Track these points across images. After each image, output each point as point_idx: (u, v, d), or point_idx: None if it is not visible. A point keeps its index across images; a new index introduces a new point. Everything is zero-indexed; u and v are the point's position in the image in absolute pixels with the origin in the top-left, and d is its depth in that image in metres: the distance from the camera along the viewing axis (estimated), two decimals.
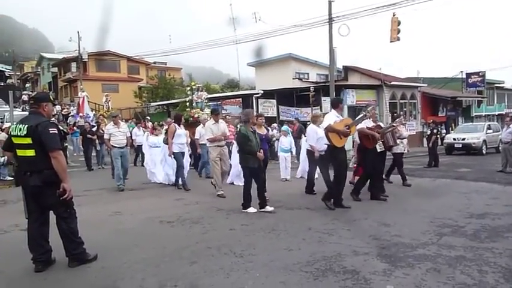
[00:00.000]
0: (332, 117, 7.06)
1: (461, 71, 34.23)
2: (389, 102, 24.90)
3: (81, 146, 13.74)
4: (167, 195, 8.93)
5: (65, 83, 41.96)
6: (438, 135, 15.65)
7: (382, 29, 18.11)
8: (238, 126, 13.97)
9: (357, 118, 7.91)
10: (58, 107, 29.15)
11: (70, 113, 27.15)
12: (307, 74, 29.80)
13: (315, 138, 7.99)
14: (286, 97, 23.94)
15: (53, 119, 6.26)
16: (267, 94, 23.51)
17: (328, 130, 6.92)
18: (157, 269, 4.23)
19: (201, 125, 11.18)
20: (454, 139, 20.51)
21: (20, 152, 4.09)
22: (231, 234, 5.56)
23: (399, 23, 17.11)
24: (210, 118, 9.26)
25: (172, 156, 9.37)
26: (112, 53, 39.58)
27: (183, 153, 9.54)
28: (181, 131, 9.49)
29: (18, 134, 4.04)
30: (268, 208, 6.84)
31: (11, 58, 51.57)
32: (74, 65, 36.68)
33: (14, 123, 4.36)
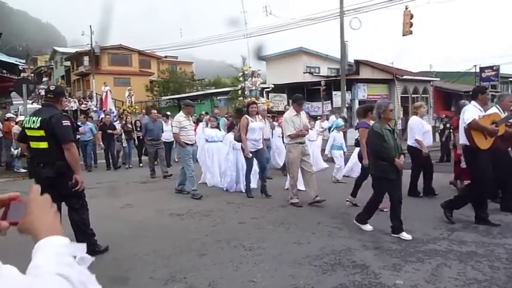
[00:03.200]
0: (474, 111, 5.46)
1: (475, 65, 33.63)
2: (401, 97, 24.62)
3: (101, 143, 12.39)
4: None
5: (78, 77, 42.36)
6: (451, 130, 15.45)
7: (394, 23, 17.90)
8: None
9: (506, 115, 5.83)
10: (74, 102, 28.74)
11: (89, 108, 26.39)
12: (318, 68, 29.60)
13: (421, 131, 7.14)
14: (296, 91, 23.80)
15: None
16: (278, 88, 23.41)
17: (472, 127, 5.33)
18: (167, 260, 4.27)
19: (259, 117, 8.16)
20: None
21: (34, 144, 4.15)
22: (240, 227, 5.58)
23: (412, 17, 16.87)
24: (289, 108, 7.57)
25: (249, 156, 7.45)
26: (124, 47, 39.84)
27: (257, 151, 7.59)
28: (256, 124, 7.60)
29: (32, 126, 4.11)
30: (405, 235, 4.92)
31: (25, 52, 52.23)
32: (86, 58, 36.96)
33: (28, 115, 4.43)
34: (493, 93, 33.54)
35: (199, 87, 36.63)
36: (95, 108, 25.86)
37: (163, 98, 33.21)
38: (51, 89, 4.48)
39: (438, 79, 29.54)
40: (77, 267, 0.83)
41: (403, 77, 24.57)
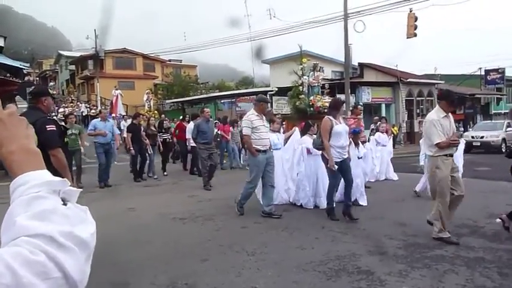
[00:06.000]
0: None
1: (480, 68, 33.52)
2: (406, 100, 24.49)
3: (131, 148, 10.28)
4: (181, 191, 8.92)
5: (82, 81, 42.54)
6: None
7: (399, 25, 17.80)
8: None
9: None
10: (85, 107, 28.59)
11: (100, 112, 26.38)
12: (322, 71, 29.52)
13: None
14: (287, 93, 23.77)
15: (53, 114, 6.09)
16: (282, 91, 23.36)
17: None
18: (169, 266, 4.20)
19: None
20: (473, 137, 20.03)
21: None
22: (243, 232, 5.51)
23: (416, 19, 16.78)
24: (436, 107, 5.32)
25: (335, 168, 5.87)
26: (128, 50, 39.97)
27: (342, 162, 5.99)
28: (342, 127, 6.02)
29: None
30: None
31: (30, 56, 52.60)
32: (90, 62, 37.10)
33: None
34: (499, 96, 33.38)
35: (203, 91, 36.62)
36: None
37: (167, 101, 33.23)
38: (31, 90, 4.25)
39: (443, 82, 29.39)
40: (60, 210, 0.70)
41: (408, 80, 24.46)
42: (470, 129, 23.18)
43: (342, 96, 19.71)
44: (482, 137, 19.59)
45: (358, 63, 25.46)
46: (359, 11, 17.82)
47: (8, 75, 14.87)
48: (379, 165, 9.69)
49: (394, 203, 7.34)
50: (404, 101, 24.15)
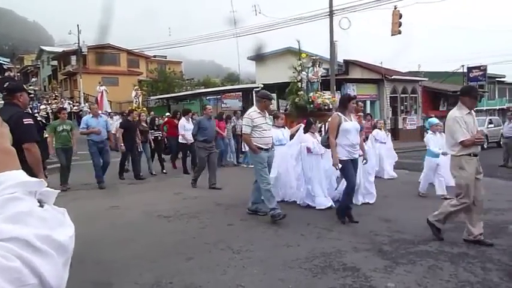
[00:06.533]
0: None
1: (463, 65, 34.00)
2: (390, 97, 24.74)
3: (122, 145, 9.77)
4: (166, 189, 8.82)
5: (65, 76, 41.78)
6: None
7: (383, 22, 17.93)
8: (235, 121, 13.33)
9: None
10: (68, 104, 27.59)
11: (81, 110, 25.38)
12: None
13: None
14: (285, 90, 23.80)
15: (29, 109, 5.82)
16: (267, 88, 23.25)
17: None
18: (153, 264, 4.14)
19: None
20: None
21: None
22: (229, 229, 5.47)
23: (400, 16, 16.92)
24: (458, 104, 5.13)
25: (339, 167, 5.62)
26: (112, 46, 39.34)
27: (352, 161, 5.70)
28: (351, 125, 5.68)
29: None
30: None
31: (11, 51, 51.41)
32: (73, 58, 36.45)
33: None
34: (481, 92, 33.92)
35: (189, 87, 36.39)
36: (87, 110, 24.85)
37: (151, 97, 32.92)
38: (5, 86, 4.13)
39: (427, 79, 29.77)
40: (36, 212, 0.65)
41: (392, 77, 24.69)
42: None
43: (328, 93, 19.80)
44: None
45: (344, 60, 25.57)
46: (344, 8, 17.88)
47: None
48: (378, 162, 9.58)
49: (380, 200, 7.36)
50: (388, 98, 24.38)
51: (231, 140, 13.02)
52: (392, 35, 17.14)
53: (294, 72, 12.33)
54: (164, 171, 11.22)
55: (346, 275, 3.74)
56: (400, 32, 17.08)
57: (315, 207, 6.58)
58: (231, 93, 24.41)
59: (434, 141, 7.76)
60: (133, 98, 24.09)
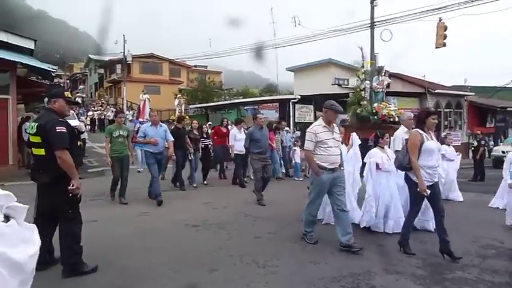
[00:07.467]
0: None
1: None
2: None
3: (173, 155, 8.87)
4: (196, 198, 8.84)
5: (110, 84, 43.57)
6: (485, 147, 14.79)
7: (427, 34, 17.37)
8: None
9: None
10: (112, 112, 27.54)
11: (125, 117, 25.80)
12: (347, 80, 29.13)
13: None
14: (324, 103, 23.51)
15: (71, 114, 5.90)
16: (305, 99, 23.17)
17: None
18: (177, 274, 4.11)
19: (402, 128, 6.57)
20: (503, 152, 19.28)
21: (35, 151, 4.03)
22: (255, 242, 5.36)
23: (445, 28, 16.32)
24: None
25: (427, 193, 4.67)
26: (155, 55, 40.72)
27: (433, 186, 4.78)
28: (433, 144, 4.89)
29: (31, 132, 3.98)
30: None
31: (62, 59, 54.32)
32: (118, 66, 37.95)
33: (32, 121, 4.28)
34: None
35: (227, 97, 36.81)
36: (130, 118, 24.48)
37: (190, 106, 33.56)
38: (46, 92, 4.27)
39: (473, 94, 28.49)
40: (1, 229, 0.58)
41: (436, 91, 23.82)
42: (501, 144, 22.36)
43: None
44: None
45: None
46: (386, 20, 17.48)
47: (40, 77, 15.31)
48: (443, 182, 7.74)
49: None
50: None
51: (279, 152, 12.63)
52: (436, 47, 16.53)
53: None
54: (205, 182, 10.72)
55: None
56: (445, 45, 16.46)
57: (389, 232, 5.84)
58: (268, 104, 24.41)
59: None
60: (175, 106, 24.45)
